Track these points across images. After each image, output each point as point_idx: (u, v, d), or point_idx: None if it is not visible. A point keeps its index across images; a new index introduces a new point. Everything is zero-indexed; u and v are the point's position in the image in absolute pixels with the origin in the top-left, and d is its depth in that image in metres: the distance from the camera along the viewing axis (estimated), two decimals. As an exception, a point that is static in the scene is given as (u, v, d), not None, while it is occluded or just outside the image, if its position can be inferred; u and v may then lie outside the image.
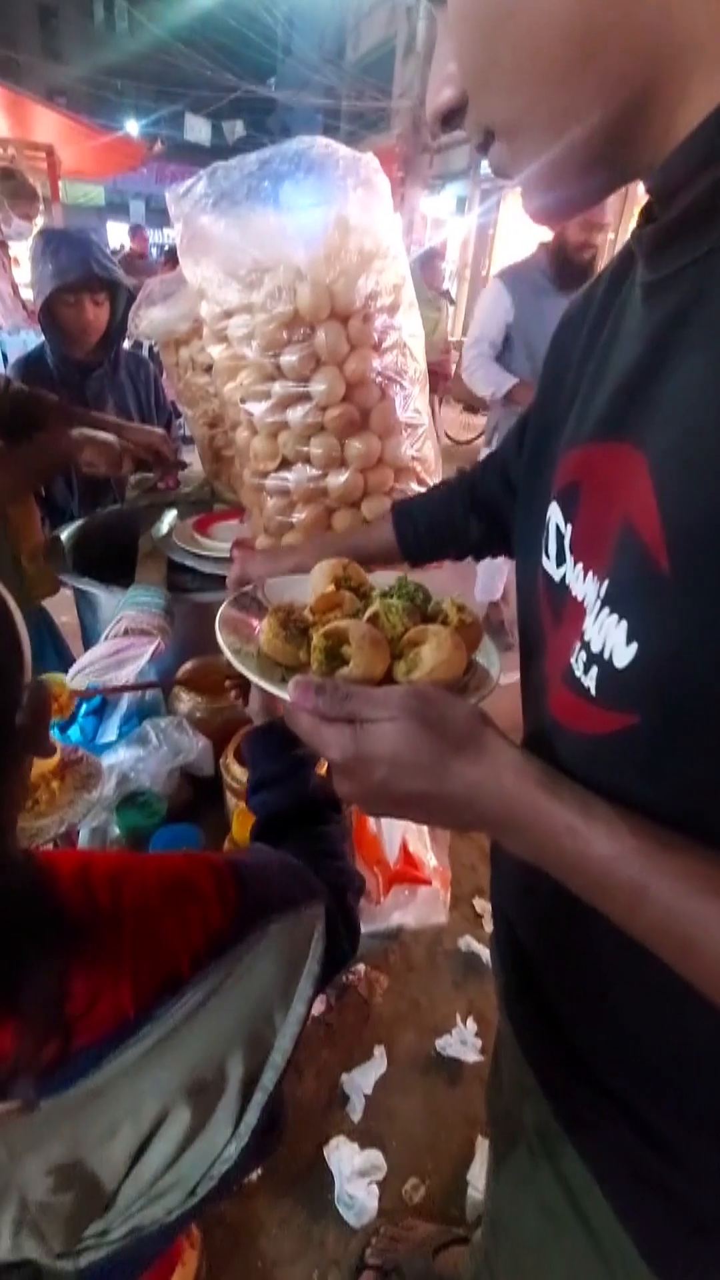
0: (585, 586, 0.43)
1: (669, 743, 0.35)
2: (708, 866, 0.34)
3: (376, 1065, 1.41)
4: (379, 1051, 1.44)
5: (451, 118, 0.41)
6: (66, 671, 1.04)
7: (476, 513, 0.77)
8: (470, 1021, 1.51)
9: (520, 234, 10.98)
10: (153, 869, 0.50)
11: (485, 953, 1.67)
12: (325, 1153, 1.27)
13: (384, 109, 11.51)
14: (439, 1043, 1.47)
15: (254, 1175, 1.23)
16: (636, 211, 0.42)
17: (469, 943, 1.70)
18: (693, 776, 0.35)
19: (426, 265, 5.39)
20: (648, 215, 0.40)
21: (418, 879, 0.92)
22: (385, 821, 0.98)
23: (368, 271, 0.91)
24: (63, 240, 1.54)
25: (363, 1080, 1.38)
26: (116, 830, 0.91)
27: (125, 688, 0.96)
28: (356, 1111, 1.34)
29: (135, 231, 8.20)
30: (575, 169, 0.38)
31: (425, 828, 1.00)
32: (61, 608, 1.50)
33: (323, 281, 0.89)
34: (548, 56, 0.34)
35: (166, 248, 8.72)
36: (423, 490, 1.09)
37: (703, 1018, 0.37)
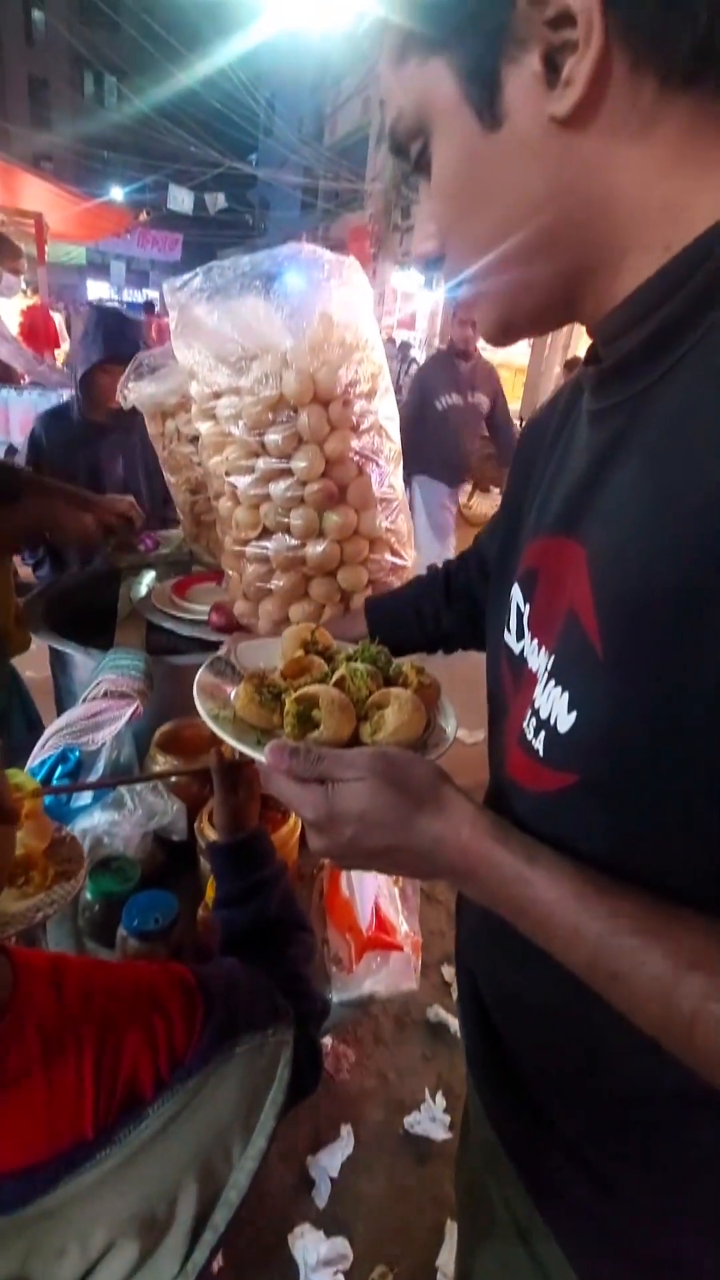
0: (539, 660, 0.48)
1: (605, 799, 0.40)
2: (636, 907, 0.38)
3: (344, 1145, 1.37)
4: (346, 1130, 1.39)
5: (433, 263, 0.49)
6: (34, 733, 1.04)
7: (451, 603, 0.82)
8: (439, 1097, 1.48)
9: (485, 308, 11.68)
10: (126, 980, 0.49)
11: (453, 1022, 1.65)
12: (290, 1241, 1.21)
13: (358, 190, 12.28)
14: (408, 1120, 1.43)
15: (215, 1265, 1.16)
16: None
17: (438, 1012, 1.67)
18: (626, 828, 0.40)
19: None
20: (592, 356, 0.47)
21: (390, 945, 0.92)
22: (358, 885, 0.98)
23: (348, 362, 0.98)
24: (117, 320, 1.91)
25: (329, 1162, 1.33)
26: (89, 895, 0.90)
27: (97, 784, 0.96)
28: (322, 1196, 1.29)
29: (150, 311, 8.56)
30: (526, 313, 0.46)
31: (397, 892, 1.01)
32: (28, 663, 1.49)
33: (307, 369, 0.95)
34: (517, 235, 0.41)
35: (154, 306, 9.07)
36: (396, 560, 1.14)
37: (642, 1053, 0.39)
